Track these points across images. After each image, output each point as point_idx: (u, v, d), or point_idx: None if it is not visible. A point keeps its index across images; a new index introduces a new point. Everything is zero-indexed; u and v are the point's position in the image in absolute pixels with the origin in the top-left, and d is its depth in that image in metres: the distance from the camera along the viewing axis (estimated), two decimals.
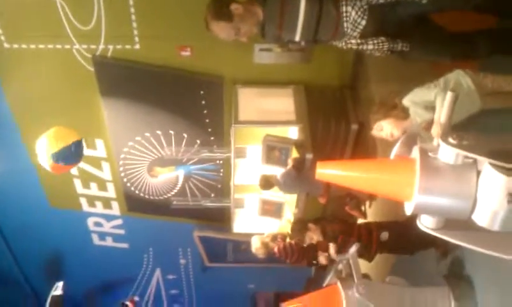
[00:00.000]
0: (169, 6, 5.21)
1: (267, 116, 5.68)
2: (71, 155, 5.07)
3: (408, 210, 2.05)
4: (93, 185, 7.17)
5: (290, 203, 6.26)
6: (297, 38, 3.26)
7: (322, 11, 3.09)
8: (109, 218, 7.73)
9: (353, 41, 3.23)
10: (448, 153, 1.91)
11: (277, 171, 5.51)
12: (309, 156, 5.28)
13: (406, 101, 3.06)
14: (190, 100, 5.99)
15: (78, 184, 7.15)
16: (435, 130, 2.50)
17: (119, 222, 7.78)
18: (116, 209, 7.54)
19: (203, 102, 6.01)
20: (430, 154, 1.98)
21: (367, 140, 5.55)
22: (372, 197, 5.54)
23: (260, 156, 5.71)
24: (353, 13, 3.08)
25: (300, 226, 4.89)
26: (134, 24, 5.35)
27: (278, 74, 5.87)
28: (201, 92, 5.92)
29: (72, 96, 5.96)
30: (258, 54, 5.64)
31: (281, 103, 5.77)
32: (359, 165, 2.23)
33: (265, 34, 3.36)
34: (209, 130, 6.32)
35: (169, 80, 5.79)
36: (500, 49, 3.10)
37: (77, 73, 5.71)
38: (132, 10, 5.24)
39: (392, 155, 2.38)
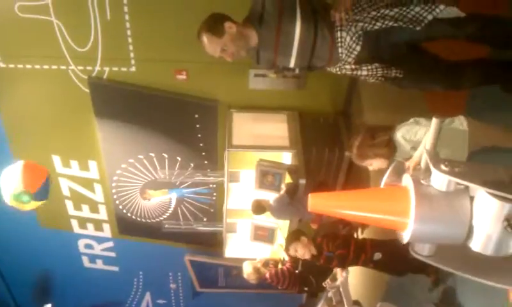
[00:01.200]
0: (165, 30, 5.26)
1: (261, 141, 5.69)
2: (46, 191, 4.80)
3: (404, 239, 2.05)
4: (85, 207, 7.13)
5: (282, 228, 6.22)
6: (291, 64, 3.28)
7: (317, 36, 3.11)
8: (100, 240, 7.66)
9: (348, 66, 3.24)
10: (440, 181, 1.92)
11: (270, 196, 5.51)
12: (302, 182, 5.28)
13: (398, 136, 3.10)
14: (184, 123, 6.00)
15: (69, 205, 7.11)
16: (410, 163, 2.53)
17: (110, 244, 7.71)
18: (107, 231, 7.49)
19: (198, 126, 6.03)
20: (423, 182, 1.99)
21: (360, 167, 5.56)
22: (364, 225, 5.53)
23: (254, 181, 5.70)
24: (348, 39, 3.10)
25: (294, 236, 4.86)
26: (131, 47, 5.39)
27: (273, 100, 5.90)
28: (196, 115, 5.93)
29: (66, 117, 5.97)
30: (253, 79, 5.69)
31: (275, 129, 5.80)
32: (351, 196, 2.22)
33: (259, 59, 3.38)
34: (203, 153, 6.32)
35: (164, 103, 5.80)
36: (491, 80, 3.13)
37: (72, 94, 5.72)
38: (129, 33, 5.28)
39: (383, 183, 2.38)
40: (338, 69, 3.30)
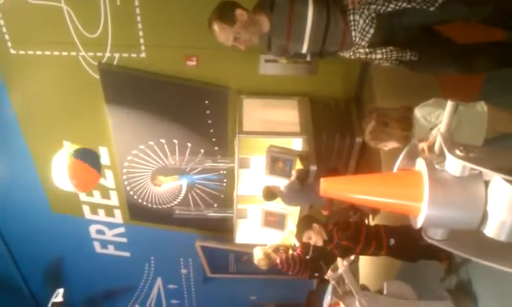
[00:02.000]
0: (175, 16, 5.22)
1: (271, 127, 5.66)
2: (90, 155, 5.18)
3: (417, 224, 2.03)
4: (96, 193, 7.15)
5: (293, 214, 6.22)
6: (304, 50, 3.22)
7: (330, 20, 3.05)
8: (112, 226, 7.69)
9: (361, 50, 3.18)
10: (455, 166, 1.89)
11: (280, 182, 5.49)
12: (313, 168, 5.26)
13: (419, 116, 3.04)
14: (195, 109, 5.98)
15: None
16: (425, 145, 2.49)
17: (121, 230, 7.74)
18: (118, 217, 7.51)
19: (208, 112, 6.01)
20: (437, 166, 1.97)
21: (371, 153, 5.53)
22: (375, 210, 5.51)
23: (264, 167, 5.68)
24: (361, 22, 3.03)
25: (306, 222, 4.83)
26: (141, 33, 5.36)
27: (283, 85, 5.86)
28: (206, 102, 5.91)
29: (77, 103, 5.96)
30: (263, 65, 5.65)
31: (286, 115, 5.77)
32: (364, 180, 2.20)
33: (271, 46, 3.33)
34: (213, 140, 6.30)
35: (174, 90, 5.78)
36: (506, 63, 3.06)
37: (82, 80, 5.71)
38: (139, 19, 5.25)
39: (396, 168, 2.35)
40: (351, 53, 3.23)
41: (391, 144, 3.17)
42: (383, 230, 4.48)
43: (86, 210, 7.44)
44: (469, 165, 1.84)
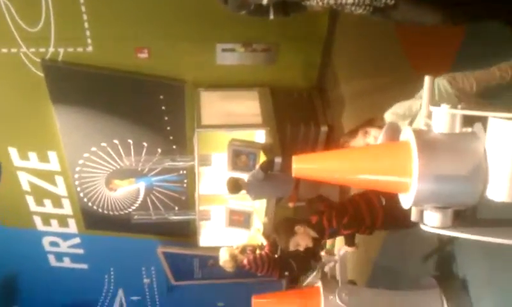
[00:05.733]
0: (123, 4, 4.94)
1: (232, 120, 5.45)
2: None
3: (407, 202, 1.73)
4: (47, 202, 6.79)
5: (259, 211, 5.98)
6: (264, 0, 2.86)
7: None
8: (66, 237, 7.34)
9: None
10: (442, 121, 1.61)
11: (245, 176, 5.23)
12: (278, 160, 5.02)
13: (388, 115, 2.76)
14: (149, 105, 5.71)
15: (31, 201, 6.75)
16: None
17: (77, 241, 7.40)
18: (73, 227, 7.17)
19: (164, 108, 5.74)
20: (423, 127, 1.69)
21: (338, 142, 5.34)
22: (345, 192, 5.27)
23: (226, 162, 5.45)
24: None
25: (286, 228, 4.25)
26: (86, 25, 5.04)
27: (243, 76, 5.66)
28: (161, 97, 5.65)
29: (21, 105, 5.60)
30: (220, 54, 5.42)
31: (246, 106, 5.57)
32: (342, 156, 1.91)
33: None
34: (171, 137, 6.04)
35: (126, 85, 5.51)
36: (494, 13, 2.77)
37: (25, 79, 5.37)
38: (84, 9, 4.93)
39: (380, 138, 2.07)
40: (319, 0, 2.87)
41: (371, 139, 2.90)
42: (373, 195, 3.85)
43: (38, 220, 7.07)
44: (458, 112, 1.56)
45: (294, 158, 1.90)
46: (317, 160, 1.98)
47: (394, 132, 2.21)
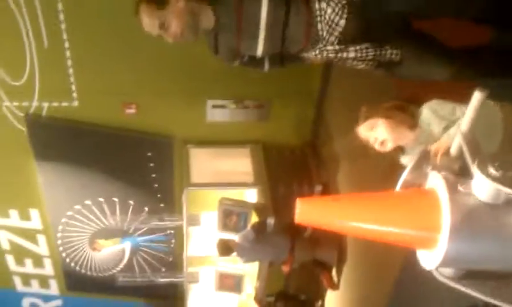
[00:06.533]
0: (110, 58, 4.77)
1: (222, 178, 5.26)
2: None
3: (432, 263, 1.49)
4: (28, 262, 6.50)
5: (250, 275, 5.71)
6: (259, 51, 2.68)
7: (290, 10, 2.52)
8: (47, 298, 7.02)
9: (330, 48, 2.64)
10: (486, 189, 1.38)
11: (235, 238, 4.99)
12: (270, 220, 4.79)
13: (427, 108, 2.45)
14: (136, 162, 5.52)
15: (10, 260, 6.46)
16: (439, 147, 1.93)
17: (58, 303, 7.07)
18: (54, 288, 6.85)
19: (151, 165, 5.55)
20: (460, 188, 1.45)
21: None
22: (342, 260, 5.04)
23: (216, 222, 5.19)
24: (329, 11, 2.51)
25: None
26: (72, 79, 4.87)
27: (234, 133, 5.50)
28: (149, 154, 5.47)
29: (2, 160, 5.39)
30: (211, 111, 5.27)
31: (237, 164, 5.40)
32: (356, 202, 1.66)
33: (218, 47, 2.76)
34: (158, 195, 5.82)
35: (112, 141, 5.32)
36: (504, 72, 2.59)
37: (7, 134, 5.17)
38: (70, 63, 4.77)
39: (400, 184, 1.81)
40: (318, 52, 2.67)
41: (382, 131, 2.45)
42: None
43: (17, 281, 6.75)
44: (505, 189, 1.33)
45: (299, 200, 1.67)
46: (326, 205, 1.74)
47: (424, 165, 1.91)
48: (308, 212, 1.58)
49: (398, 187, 1.76)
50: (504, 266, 1.43)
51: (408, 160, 2.51)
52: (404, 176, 1.72)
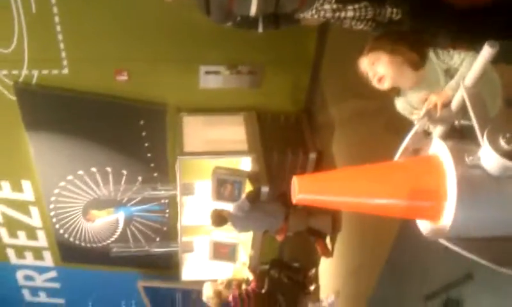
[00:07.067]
0: (101, 24, 4.68)
1: (216, 147, 5.20)
2: None
3: (435, 234, 1.46)
4: (21, 234, 6.50)
5: (244, 243, 5.73)
6: (253, 10, 2.57)
7: None
8: (42, 270, 7.06)
9: (327, 6, 2.52)
10: (495, 162, 1.31)
11: (230, 207, 4.97)
12: (265, 189, 4.77)
13: (431, 51, 2.29)
14: (129, 131, 5.46)
15: (4, 233, 6.47)
16: (439, 99, 1.86)
17: (53, 274, 7.12)
18: (48, 260, 6.88)
19: (144, 134, 5.49)
20: (466, 159, 1.39)
21: (328, 169, 5.12)
22: (336, 228, 5.03)
23: (210, 191, 5.19)
24: None
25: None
26: (62, 45, 4.78)
27: (227, 100, 5.43)
28: (141, 122, 5.40)
29: None
30: (204, 77, 5.19)
31: (231, 132, 5.34)
32: (355, 175, 1.60)
33: (210, 7, 2.65)
34: (152, 165, 5.78)
35: (104, 110, 5.25)
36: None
37: None
38: (59, 29, 4.67)
39: (401, 148, 1.74)
40: (314, 12, 2.55)
41: (384, 67, 2.29)
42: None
43: (11, 253, 6.78)
44: None
45: (296, 178, 1.61)
46: (324, 181, 1.69)
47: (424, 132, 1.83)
48: (307, 188, 1.54)
49: (398, 155, 1.70)
50: (506, 232, 1.39)
51: (401, 105, 2.41)
52: (407, 139, 1.66)
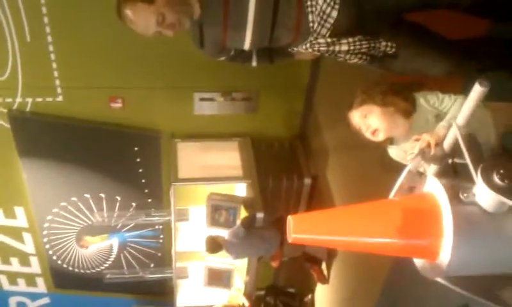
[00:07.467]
0: (95, 52, 4.68)
1: (210, 173, 5.16)
2: None
3: (432, 272, 1.45)
4: (14, 260, 6.39)
5: (240, 269, 5.66)
6: (247, 44, 2.57)
7: (279, 1, 2.43)
8: (34, 297, 6.92)
9: (322, 41, 2.50)
10: (489, 198, 1.31)
11: (225, 234, 4.94)
12: (260, 215, 4.74)
13: (419, 97, 2.31)
14: (123, 157, 5.43)
15: None
16: (432, 139, 1.86)
17: (46, 301, 6.97)
18: (41, 286, 6.75)
19: (138, 160, 5.45)
20: (461, 196, 1.39)
21: (323, 194, 5.11)
22: (332, 254, 5.01)
23: (205, 218, 5.17)
24: (321, 1, 2.37)
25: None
26: (56, 73, 4.77)
27: (222, 126, 5.42)
28: (136, 148, 5.37)
29: None
30: (198, 103, 5.18)
31: (226, 158, 5.31)
32: (350, 214, 1.59)
33: (204, 40, 2.62)
34: (146, 191, 5.74)
35: (98, 137, 5.23)
36: (503, 64, 2.51)
37: None
38: (53, 57, 4.66)
39: (396, 186, 1.74)
40: (309, 45, 2.53)
41: (375, 119, 2.31)
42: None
43: (4, 280, 6.65)
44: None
45: (292, 217, 1.60)
46: (319, 220, 1.67)
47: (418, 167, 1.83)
48: (302, 228, 1.53)
49: (393, 193, 1.70)
50: (505, 271, 1.39)
51: (394, 152, 2.43)
52: (401, 177, 1.66)
